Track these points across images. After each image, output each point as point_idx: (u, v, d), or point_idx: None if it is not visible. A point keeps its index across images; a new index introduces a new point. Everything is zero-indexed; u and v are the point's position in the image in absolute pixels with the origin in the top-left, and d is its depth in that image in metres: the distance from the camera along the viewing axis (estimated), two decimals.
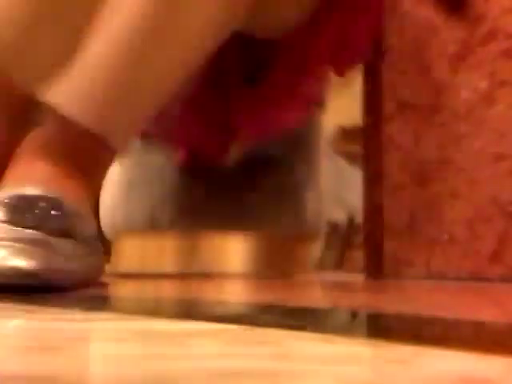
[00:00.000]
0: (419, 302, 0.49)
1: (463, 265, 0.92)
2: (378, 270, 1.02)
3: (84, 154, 0.62)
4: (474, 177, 0.93)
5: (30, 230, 0.53)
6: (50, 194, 0.57)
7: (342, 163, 2.27)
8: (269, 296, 0.57)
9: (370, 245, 1.04)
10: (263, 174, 1.17)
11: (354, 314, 0.37)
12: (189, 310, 0.42)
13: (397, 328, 0.31)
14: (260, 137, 0.98)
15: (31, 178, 0.59)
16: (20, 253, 0.52)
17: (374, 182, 1.05)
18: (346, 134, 2.41)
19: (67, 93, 0.60)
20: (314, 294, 0.60)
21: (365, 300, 0.52)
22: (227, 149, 0.95)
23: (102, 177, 0.68)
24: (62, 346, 0.25)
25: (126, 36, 0.61)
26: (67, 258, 0.55)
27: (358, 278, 1.04)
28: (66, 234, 0.56)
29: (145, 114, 0.67)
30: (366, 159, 1.09)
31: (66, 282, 0.54)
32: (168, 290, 0.65)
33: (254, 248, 1.17)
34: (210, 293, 0.64)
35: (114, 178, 1.26)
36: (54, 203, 0.56)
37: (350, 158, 2.19)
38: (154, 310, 0.42)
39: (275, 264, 1.17)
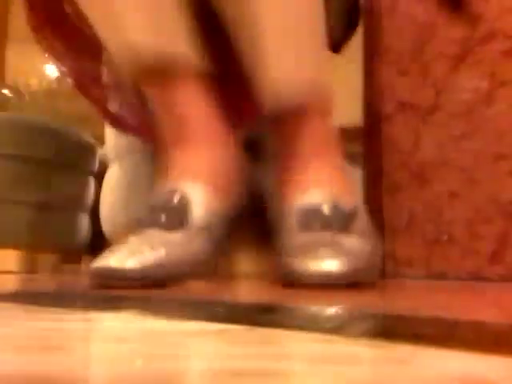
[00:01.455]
0: (419, 302, 0.49)
1: (463, 265, 0.92)
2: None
3: (319, 137, 0.69)
4: (474, 177, 0.93)
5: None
6: (330, 199, 0.64)
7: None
8: (269, 296, 0.57)
9: None
10: (263, 173, 1.17)
11: (354, 314, 0.37)
12: (189, 310, 0.42)
13: (397, 328, 0.31)
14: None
15: (315, 184, 0.66)
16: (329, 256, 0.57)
17: (374, 181, 1.05)
18: (346, 134, 2.41)
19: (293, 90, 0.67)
20: (314, 294, 0.60)
21: (365, 300, 0.52)
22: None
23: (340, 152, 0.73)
24: (62, 345, 0.25)
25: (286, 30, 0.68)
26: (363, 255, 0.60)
27: None
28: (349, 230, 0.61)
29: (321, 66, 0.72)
30: (366, 159, 1.09)
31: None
32: (168, 290, 0.65)
33: (254, 248, 1.17)
34: (210, 293, 0.64)
35: (114, 179, 1.26)
36: (334, 206, 0.63)
37: (350, 157, 2.19)
38: (154, 309, 0.42)
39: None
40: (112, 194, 1.24)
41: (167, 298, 0.54)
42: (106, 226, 1.26)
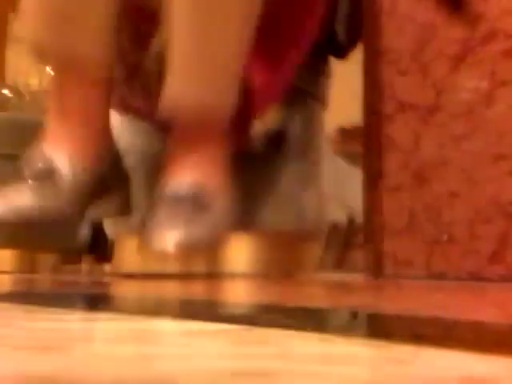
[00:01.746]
0: (419, 302, 0.49)
1: (463, 265, 0.92)
2: (378, 270, 1.02)
3: (207, 137, 0.82)
4: (474, 177, 0.93)
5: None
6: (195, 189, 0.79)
7: (342, 163, 2.27)
8: (269, 296, 0.58)
9: (370, 245, 1.04)
10: (264, 174, 1.17)
11: (353, 314, 0.37)
12: (189, 310, 0.42)
13: (397, 328, 0.31)
14: (274, 92, 1.00)
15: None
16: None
17: (373, 181, 1.05)
18: (346, 134, 2.41)
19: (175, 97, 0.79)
20: (314, 294, 0.60)
21: (365, 300, 0.52)
22: (247, 129, 1.01)
23: (224, 150, 0.85)
24: (62, 345, 0.25)
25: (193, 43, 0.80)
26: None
27: (358, 278, 1.04)
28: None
29: (230, 82, 0.83)
30: (366, 159, 1.09)
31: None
32: (168, 290, 0.65)
33: (254, 248, 1.17)
34: (210, 293, 0.64)
35: None
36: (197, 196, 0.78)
37: (350, 157, 2.19)
38: (154, 309, 0.42)
39: (276, 264, 1.17)
40: None
41: (167, 298, 0.54)
42: (108, 226, 1.26)
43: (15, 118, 1.84)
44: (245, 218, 1.15)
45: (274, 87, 1.00)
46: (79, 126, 0.82)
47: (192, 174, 0.80)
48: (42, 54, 0.84)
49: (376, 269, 1.02)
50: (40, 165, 0.80)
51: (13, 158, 1.77)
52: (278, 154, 1.20)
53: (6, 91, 2.36)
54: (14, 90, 2.54)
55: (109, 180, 0.85)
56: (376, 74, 1.06)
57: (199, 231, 0.76)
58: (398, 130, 1.02)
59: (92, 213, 0.87)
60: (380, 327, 0.32)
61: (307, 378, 0.19)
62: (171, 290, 0.65)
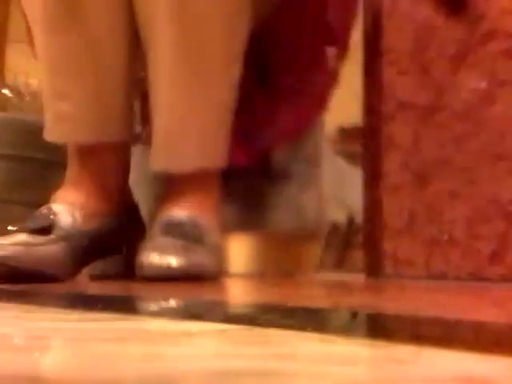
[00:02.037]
0: (419, 302, 0.49)
1: (463, 265, 0.92)
2: (378, 270, 1.02)
3: (200, 185, 0.85)
4: (474, 177, 0.93)
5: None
6: (189, 216, 0.81)
7: (342, 163, 2.27)
8: (269, 296, 0.57)
9: (370, 245, 1.04)
10: (265, 175, 1.17)
11: (354, 314, 0.37)
12: (189, 310, 0.42)
13: (397, 328, 0.31)
14: (283, 136, 1.05)
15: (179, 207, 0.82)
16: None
17: (373, 182, 1.05)
18: (346, 134, 2.41)
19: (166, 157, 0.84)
20: (314, 294, 0.60)
21: (365, 300, 0.52)
22: (254, 157, 1.05)
23: (217, 192, 0.89)
24: (61, 345, 0.25)
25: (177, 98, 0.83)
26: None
27: (358, 278, 1.04)
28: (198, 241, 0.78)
29: (222, 132, 0.85)
30: (366, 159, 1.09)
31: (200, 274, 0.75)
32: (168, 290, 0.65)
33: (254, 248, 1.17)
34: (210, 293, 0.64)
35: None
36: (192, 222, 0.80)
37: (350, 157, 2.20)
38: (154, 310, 0.42)
39: (276, 264, 1.17)
40: None
41: (167, 298, 0.54)
42: None
43: (15, 118, 1.84)
44: (245, 218, 1.15)
45: (295, 128, 1.06)
46: (93, 190, 0.84)
47: (187, 209, 0.82)
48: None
49: (376, 269, 1.02)
50: (40, 220, 0.81)
51: (13, 158, 1.78)
52: (282, 155, 1.20)
53: (6, 91, 2.36)
54: (14, 90, 2.54)
55: (109, 240, 0.85)
56: (376, 74, 1.06)
57: (198, 259, 0.78)
58: (398, 130, 1.02)
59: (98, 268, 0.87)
60: (380, 327, 0.32)
61: (307, 378, 0.18)
62: (171, 290, 0.65)
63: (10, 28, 2.42)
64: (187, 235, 0.79)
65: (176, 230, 0.79)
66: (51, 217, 0.80)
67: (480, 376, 0.19)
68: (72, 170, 0.86)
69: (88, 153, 0.85)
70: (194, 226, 0.81)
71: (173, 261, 0.74)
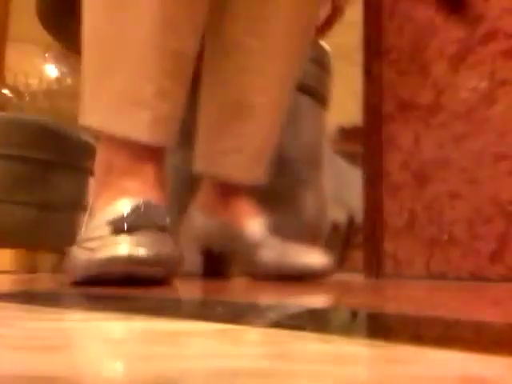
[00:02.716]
0: (419, 302, 0.49)
1: (463, 265, 0.92)
2: (378, 270, 1.02)
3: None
4: (474, 177, 0.93)
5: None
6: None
7: (342, 163, 2.27)
8: (269, 296, 0.57)
9: (370, 245, 1.04)
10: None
11: (354, 314, 0.37)
12: (189, 310, 0.42)
13: (397, 328, 0.31)
14: None
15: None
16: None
17: (374, 181, 1.05)
18: (346, 134, 2.41)
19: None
20: (314, 294, 0.60)
21: (365, 300, 0.52)
22: None
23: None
24: (62, 345, 0.25)
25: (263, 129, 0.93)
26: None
27: (358, 278, 1.04)
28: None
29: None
30: (366, 159, 1.09)
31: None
32: (168, 290, 0.65)
33: None
34: (210, 293, 0.64)
35: None
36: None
37: (350, 157, 2.20)
38: (155, 310, 0.42)
39: None
40: None
41: (167, 297, 0.54)
42: None
43: (15, 118, 1.84)
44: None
45: None
46: (155, 186, 0.79)
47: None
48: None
49: (376, 269, 1.02)
50: (156, 216, 0.74)
51: (13, 158, 1.78)
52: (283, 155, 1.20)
53: (6, 91, 2.36)
54: (14, 90, 2.54)
55: None
56: (376, 74, 1.06)
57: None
58: (398, 130, 1.02)
59: None
60: (380, 327, 0.32)
61: (307, 378, 0.18)
62: (171, 290, 0.65)
63: (10, 28, 2.42)
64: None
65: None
66: (163, 213, 0.74)
67: (480, 376, 0.19)
68: (133, 163, 0.78)
69: (158, 152, 0.80)
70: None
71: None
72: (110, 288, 0.62)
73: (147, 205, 0.70)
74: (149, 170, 0.77)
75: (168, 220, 0.72)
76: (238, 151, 0.91)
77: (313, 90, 1.26)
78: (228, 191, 0.94)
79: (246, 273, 0.91)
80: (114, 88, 0.75)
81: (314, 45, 1.28)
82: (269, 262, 0.85)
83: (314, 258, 0.83)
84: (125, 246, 0.65)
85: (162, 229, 0.69)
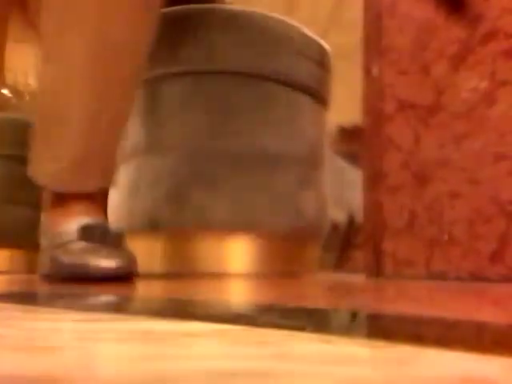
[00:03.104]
0: (419, 302, 0.49)
1: (463, 265, 0.92)
2: (378, 270, 1.02)
3: (94, 198, 0.96)
4: (474, 177, 0.93)
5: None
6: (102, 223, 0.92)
7: (342, 163, 2.27)
8: (269, 296, 0.57)
9: (370, 245, 1.04)
10: (266, 174, 1.17)
11: (354, 314, 0.37)
12: (189, 310, 0.42)
13: (397, 328, 0.31)
14: None
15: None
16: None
17: (374, 182, 1.05)
18: (346, 134, 2.41)
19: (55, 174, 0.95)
20: (314, 294, 0.60)
21: (365, 300, 0.52)
22: None
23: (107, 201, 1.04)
24: (62, 345, 0.25)
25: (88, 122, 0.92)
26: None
27: (358, 278, 1.04)
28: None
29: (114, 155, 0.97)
30: (366, 159, 1.09)
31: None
32: (168, 290, 0.65)
33: (254, 248, 1.17)
34: (210, 293, 0.64)
35: (119, 180, 1.26)
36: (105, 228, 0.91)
37: (350, 157, 2.20)
38: (154, 310, 0.42)
39: (276, 264, 1.17)
40: (116, 196, 1.24)
41: (167, 298, 0.54)
42: (112, 225, 1.27)
43: (15, 118, 1.84)
44: (244, 218, 1.15)
45: None
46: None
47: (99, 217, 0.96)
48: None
49: (376, 269, 1.02)
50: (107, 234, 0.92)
51: (13, 158, 1.77)
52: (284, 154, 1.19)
53: (5, 91, 2.36)
54: (14, 90, 2.54)
55: None
56: (376, 74, 1.06)
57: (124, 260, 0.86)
58: (399, 130, 1.02)
59: None
60: (380, 327, 0.32)
61: (307, 378, 0.18)
62: (171, 290, 0.65)
63: (10, 28, 2.42)
64: (105, 239, 0.90)
65: (96, 234, 0.90)
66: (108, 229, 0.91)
67: (480, 376, 0.19)
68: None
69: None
70: (109, 232, 0.92)
71: (112, 262, 0.83)
72: (109, 288, 0.62)
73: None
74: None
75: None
76: (57, 160, 0.94)
77: (313, 89, 1.26)
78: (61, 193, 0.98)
79: (46, 272, 0.94)
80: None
81: (315, 44, 1.28)
82: (64, 262, 0.88)
83: (106, 260, 0.84)
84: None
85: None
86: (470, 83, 0.94)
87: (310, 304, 0.47)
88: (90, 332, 0.30)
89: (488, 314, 0.39)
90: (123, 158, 1.24)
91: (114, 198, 1.24)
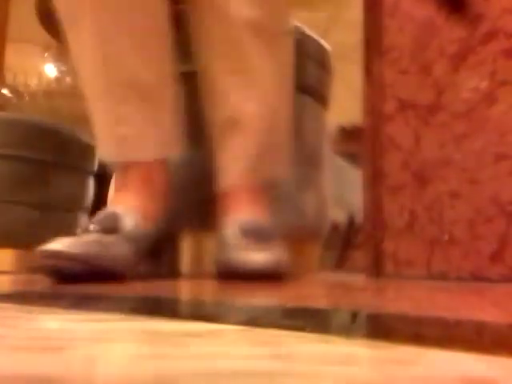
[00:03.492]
0: (419, 302, 0.49)
1: (464, 265, 0.92)
2: (378, 270, 1.02)
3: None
4: (475, 177, 0.93)
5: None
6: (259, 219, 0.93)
7: (342, 163, 2.27)
8: (269, 296, 0.57)
9: (370, 245, 1.04)
10: None
11: (354, 314, 0.37)
12: (189, 310, 0.42)
13: (397, 328, 0.31)
14: None
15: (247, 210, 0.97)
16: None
17: (374, 181, 1.05)
18: (346, 134, 2.41)
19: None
20: (314, 294, 0.60)
21: (365, 300, 0.52)
22: None
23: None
24: (62, 346, 0.25)
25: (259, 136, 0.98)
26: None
27: (358, 278, 1.04)
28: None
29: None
30: (366, 159, 1.09)
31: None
32: (168, 290, 0.65)
33: None
34: (210, 293, 0.64)
35: None
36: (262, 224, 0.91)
37: (350, 157, 2.20)
38: (154, 310, 0.42)
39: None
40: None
41: (167, 298, 0.54)
42: None
43: (15, 118, 1.84)
44: None
45: None
46: (146, 194, 0.93)
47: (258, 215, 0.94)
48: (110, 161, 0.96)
49: (376, 269, 1.02)
50: (107, 221, 0.86)
51: (13, 158, 1.78)
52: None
53: (5, 91, 2.36)
54: (14, 90, 2.54)
55: (161, 241, 0.95)
56: (376, 74, 1.06)
57: (276, 257, 0.84)
58: (399, 130, 1.02)
59: (144, 269, 0.95)
60: (380, 327, 0.32)
61: (307, 378, 0.18)
62: (171, 290, 0.65)
63: (10, 28, 2.41)
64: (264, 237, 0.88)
65: (254, 232, 0.88)
66: (117, 219, 0.86)
67: (480, 376, 0.19)
68: (126, 177, 0.93)
69: (142, 167, 0.94)
70: (265, 229, 0.90)
71: (262, 257, 0.81)
72: (109, 288, 0.62)
73: (108, 213, 0.85)
74: (132, 183, 0.92)
75: (123, 223, 0.84)
76: (236, 161, 0.97)
77: (313, 89, 1.26)
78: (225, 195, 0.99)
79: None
80: (96, 123, 0.94)
81: (315, 44, 1.28)
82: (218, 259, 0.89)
83: (258, 256, 0.82)
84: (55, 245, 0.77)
85: (108, 231, 0.82)
86: (471, 83, 0.94)
87: (310, 304, 0.47)
88: (90, 332, 0.30)
89: (488, 314, 0.39)
90: None
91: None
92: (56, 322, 0.34)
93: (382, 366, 0.21)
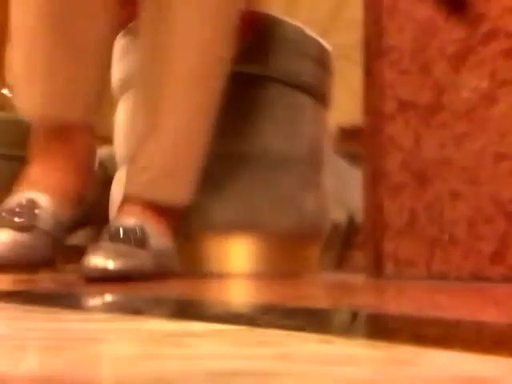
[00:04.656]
0: (420, 303, 0.49)
1: (464, 265, 0.92)
2: (378, 270, 1.02)
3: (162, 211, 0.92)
4: (475, 177, 0.93)
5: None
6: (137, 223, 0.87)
7: (342, 163, 2.27)
8: (269, 296, 0.57)
9: (370, 245, 1.04)
10: (267, 174, 1.17)
11: (354, 315, 0.37)
12: (189, 310, 0.42)
13: (397, 328, 0.31)
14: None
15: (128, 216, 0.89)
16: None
17: (374, 181, 1.05)
18: (346, 134, 2.41)
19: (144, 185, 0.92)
20: (314, 294, 0.60)
21: (365, 300, 0.52)
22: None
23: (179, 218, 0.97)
24: (61, 345, 0.25)
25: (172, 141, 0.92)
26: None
27: (358, 278, 1.04)
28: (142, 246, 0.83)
29: (194, 174, 0.96)
30: (366, 159, 1.09)
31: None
32: (168, 290, 0.65)
33: (254, 248, 1.17)
34: (210, 293, 0.64)
35: (122, 178, 1.25)
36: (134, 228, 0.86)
37: (350, 157, 2.20)
38: (154, 310, 0.42)
39: (276, 264, 1.17)
40: (118, 195, 1.24)
41: (167, 298, 0.54)
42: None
43: (15, 118, 1.84)
44: (245, 219, 1.15)
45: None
46: (62, 172, 0.88)
47: (134, 217, 0.88)
48: (32, 121, 0.90)
49: (376, 269, 1.02)
50: (21, 206, 0.83)
51: (13, 158, 1.77)
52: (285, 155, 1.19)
53: (5, 91, 2.36)
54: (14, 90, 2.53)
55: (86, 217, 0.93)
56: (376, 74, 1.06)
57: (137, 262, 0.82)
58: (399, 130, 1.02)
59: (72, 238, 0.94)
60: (380, 328, 0.32)
61: (307, 378, 0.18)
62: (171, 290, 0.65)
63: (10, 28, 2.41)
64: (131, 240, 0.84)
65: (120, 235, 0.85)
66: (35, 212, 0.81)
67: (480, 376, 0.19)
68: (48, 142, 0.88)
69: (56, 130, 0.88)
70: (138, 232, 0.86)
71: (110, 264, 0.78)
72: (109, 288, 0.62)
73: (23, 203, 0.82)
74: (56, 152, 0.88)
75: (39, 218, 0.80)
76: (145, 170, 0.93)
77: (313, 89, 1.26)
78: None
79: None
80: (20, 73, 0.89)
81: (315, 44, 1.28)
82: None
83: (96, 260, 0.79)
84: None
85: (20, 229, 0.78)
86: (471, 83, 0.94)
87: (310, 304, 0.47)
88: (90, 332, 0.30)
89: (488, 314, 0.39)
90: (122, 90, 1.24)
91: (118, 198, 1.24)
92: (55, 323, 0.34)
93: (382, 366, 0.21)
